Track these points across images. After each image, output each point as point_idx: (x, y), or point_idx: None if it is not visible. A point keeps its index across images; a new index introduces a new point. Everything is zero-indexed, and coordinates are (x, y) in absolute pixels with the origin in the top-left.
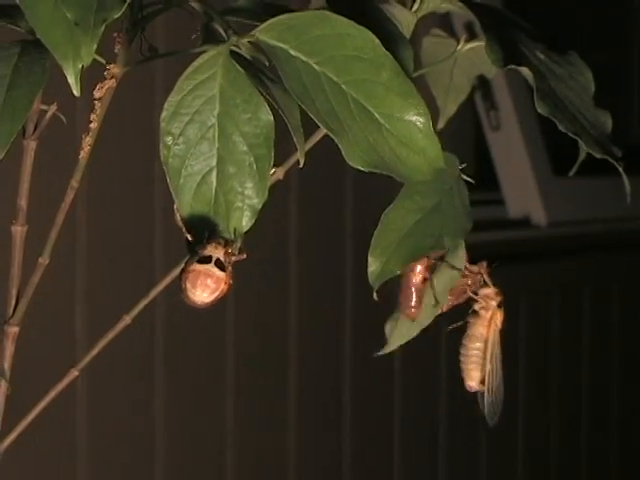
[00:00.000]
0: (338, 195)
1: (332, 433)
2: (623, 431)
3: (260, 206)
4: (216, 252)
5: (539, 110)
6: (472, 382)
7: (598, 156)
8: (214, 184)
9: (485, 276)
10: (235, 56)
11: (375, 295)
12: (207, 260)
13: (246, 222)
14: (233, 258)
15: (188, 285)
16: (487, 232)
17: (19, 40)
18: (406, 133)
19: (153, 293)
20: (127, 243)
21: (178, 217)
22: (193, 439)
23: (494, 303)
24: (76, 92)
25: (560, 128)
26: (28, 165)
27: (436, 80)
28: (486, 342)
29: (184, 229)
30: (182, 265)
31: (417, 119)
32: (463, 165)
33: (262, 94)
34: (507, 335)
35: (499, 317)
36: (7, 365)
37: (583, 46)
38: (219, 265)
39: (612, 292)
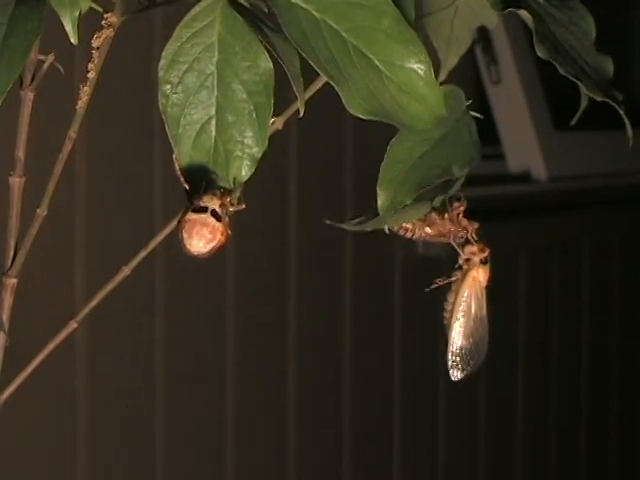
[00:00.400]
0: (338, 145)
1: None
2: (623, 385)
3: (260, 155)
4: (212, 202)
5: (539, 53)
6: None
7: (599, 99)
8: (213, 133)
9: (471, 235)
10: (233, 3)
11: (387, 228)
12: (203, 210)
13: (245, 171)
14: (232, 208)
15: (184, 235)
16: (487, 187)
17: None
18: (407, 81)
19: (152, 244)
20: (127, 194)
21: (177, 167)
22: (193, 387)
23: (476, 259)
24: (73, 40)
25: (560, 71)
26: (26, 116)
27: (437, 31)
28: (456, 296)
29: (182, 179)
30: (180, 215)
31: (418, 67)
32: (470, 101)
33: (261, 42)
34: (506, 291)
35: (482, 273)
36: (5, 317)
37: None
38: (215, 215)
39: (612, 247)
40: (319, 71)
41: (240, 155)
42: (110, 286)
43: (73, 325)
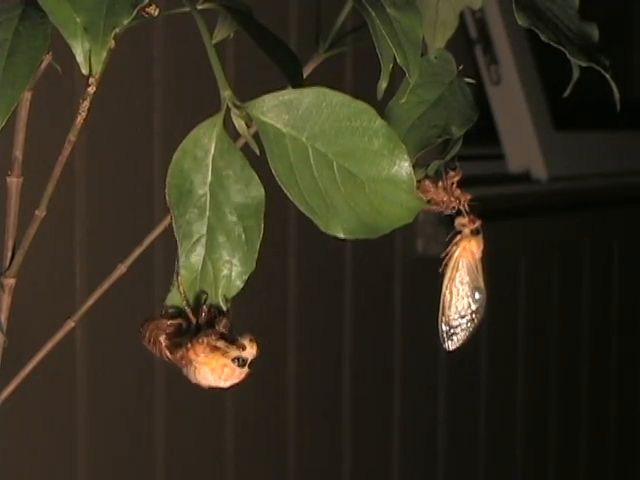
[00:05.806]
0: None
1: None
2: (623, 385)
3: (247, 276)
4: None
5: (519, 22)
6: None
7: (584, 64)
8: (203, 252)
9: (462, 206)
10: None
11: None
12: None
13: (234, 290)
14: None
15: (194, 366)
16: (487, 187)
17: (19, 1)
18: (390, 193)
19: (147, 241)
20: (126, 194)
21: (182, 289)
22: (193, 386)
23: (467, 230)
24: (85, 71)
25: (542, 39)
26: (23, 115)
27: (422, 15)
28: (448, 268)
29: (184, 302)
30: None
31: (402, 180)
32: (461, 67)
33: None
34: (506, 291)
35: (474, 244)
36: (3, 317)
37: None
38: (224, 337)
39: (612, 247)
40: (297, 204)
41: (228, 274)
42: (107, 284)
43: (71, 324)
